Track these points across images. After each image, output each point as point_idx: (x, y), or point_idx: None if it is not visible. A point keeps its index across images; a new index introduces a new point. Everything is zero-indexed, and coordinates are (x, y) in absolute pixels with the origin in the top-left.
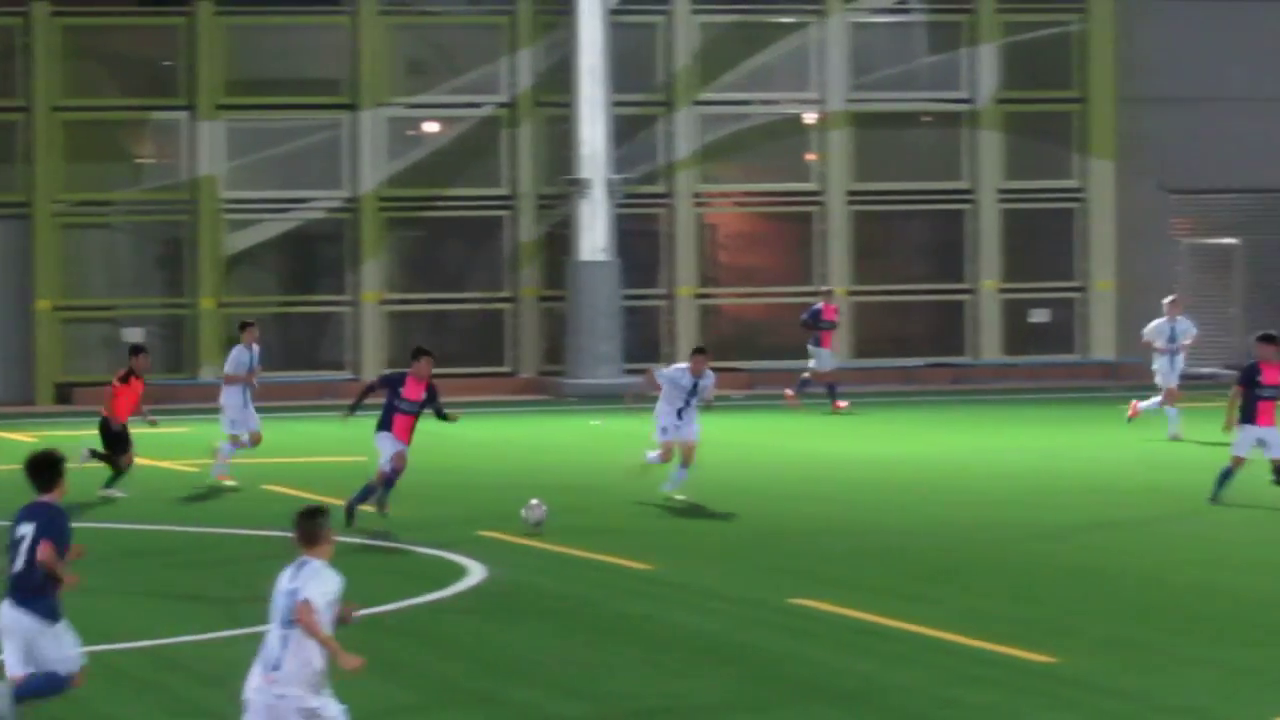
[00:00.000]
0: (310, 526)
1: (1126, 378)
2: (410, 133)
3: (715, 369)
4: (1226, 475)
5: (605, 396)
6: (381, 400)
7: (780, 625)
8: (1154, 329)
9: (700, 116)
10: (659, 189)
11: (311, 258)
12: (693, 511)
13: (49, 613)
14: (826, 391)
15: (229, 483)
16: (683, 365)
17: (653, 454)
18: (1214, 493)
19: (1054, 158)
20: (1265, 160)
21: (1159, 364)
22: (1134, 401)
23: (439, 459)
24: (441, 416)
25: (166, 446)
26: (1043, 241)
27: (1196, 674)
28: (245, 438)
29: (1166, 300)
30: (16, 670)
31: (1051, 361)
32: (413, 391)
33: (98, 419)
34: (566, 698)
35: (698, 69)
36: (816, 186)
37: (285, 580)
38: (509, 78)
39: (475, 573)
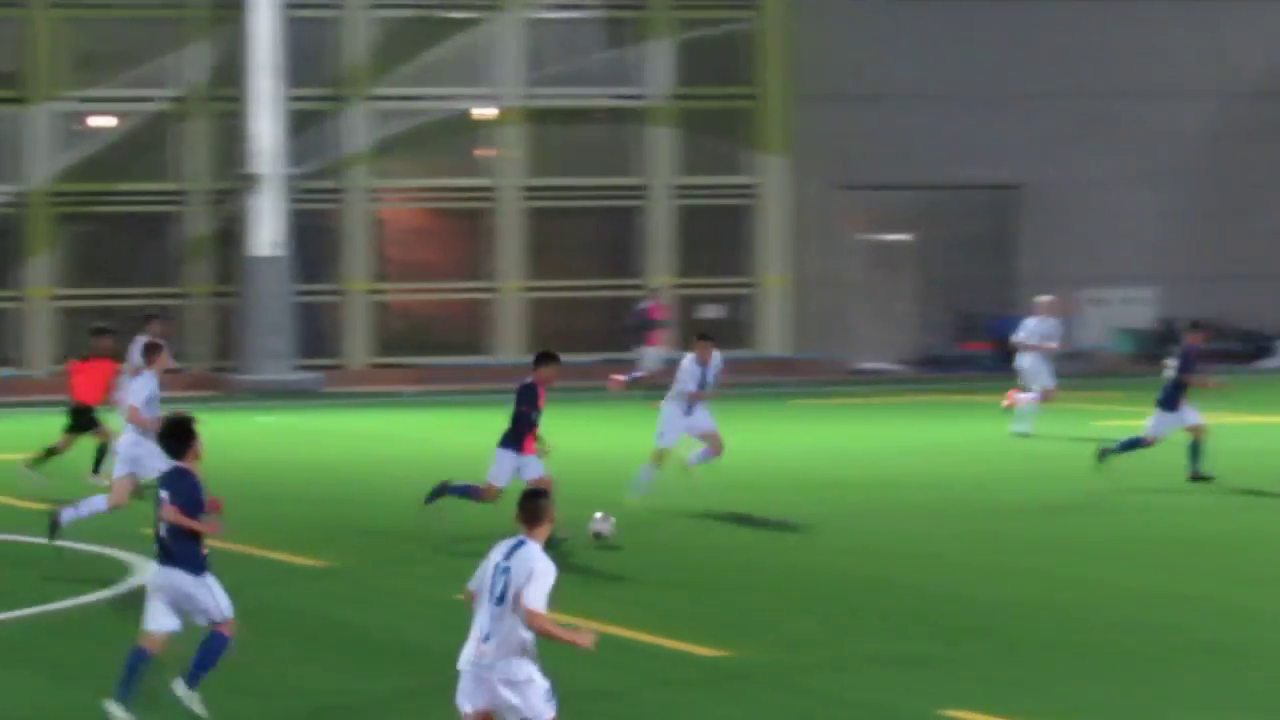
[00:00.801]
0: (533, 505)
1: (800, 373)
2: (81, 127)
3: (386, 365)
4: (1194, 449)
5: (277, 393)
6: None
7: (452, 623)
8: (1027, 331)
9: (375, 112)
10: (333, 184)
11: None
12: (364, 508)
13: (194, 565)
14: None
15: None
16: (689, 356)
17: (693, 455)
18: (1191, 469)
19: (727, 154)
20: (936, 157)
21: (1029, 362)
22: (1012, 391)
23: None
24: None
25: None
26: (716, 237)
27: (868, 668)
28: None
29: (1041, 299)
30: (164, 626)
31: (724, 358)
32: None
33: None
34: (236, 695)
35: (373, 64)
36: (491, 182)
37: (499, 556)
38: (181, 72)
39: (142, 570)
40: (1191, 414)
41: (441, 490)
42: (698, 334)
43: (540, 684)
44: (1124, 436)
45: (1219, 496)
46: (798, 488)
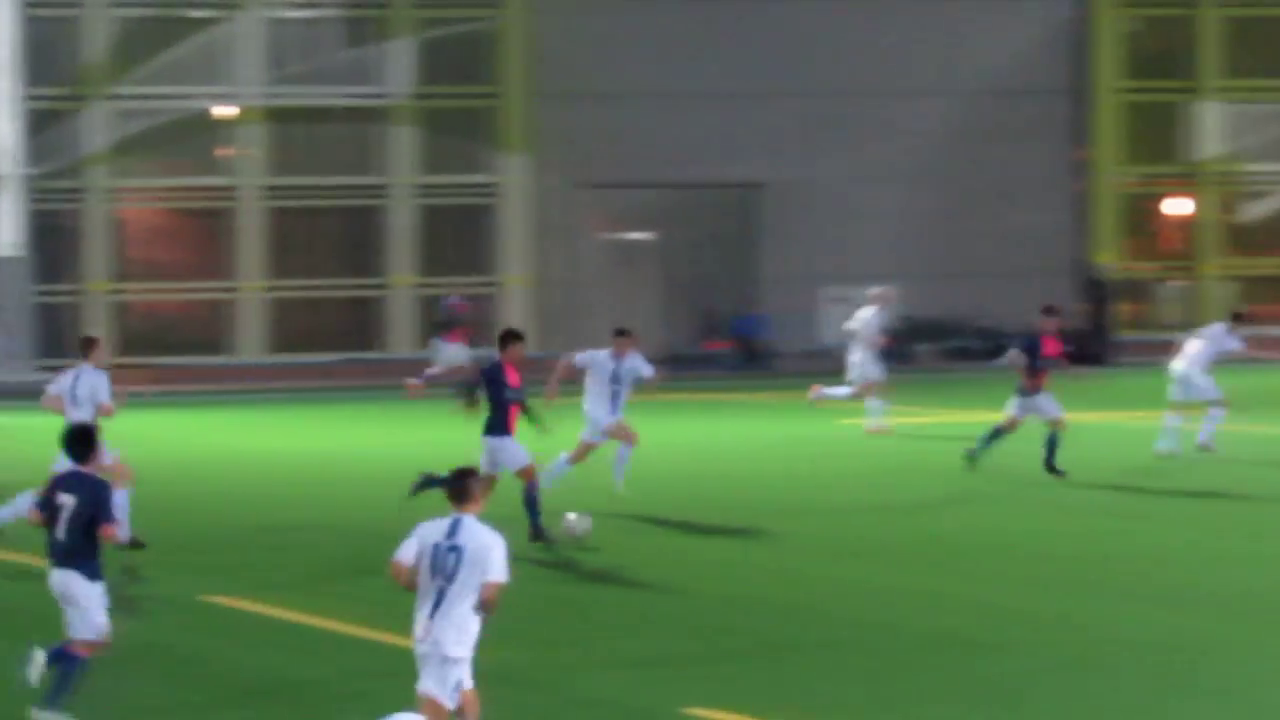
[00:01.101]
0: (465, 484)
1: (542, 372)
2: None
3: (127, 365)
4: (997, 434)
5: (16, 394)
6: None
7: (190, 624)
8: (861, 321)
9: (115, 111)
10: (72, 184)
11: None
12: None
13: (94, 573)
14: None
15: None
16: (604, 351)
17: (618, 461)
18: (1046, 460)
19: (469, 153)
20: (679, 155)
21: (860, 356)
22: (816, 385)
23: None
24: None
25: None
26: (459, 236)
27: (616, 668)
28: None
29: (872, 291)
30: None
31: (467, 357)
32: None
33: None
34: None
35: (112, 63)
36: (232, 181)
37: (439, 536)
38: None
39: None
40: (1049, 404)
41: (429, 482)
42: (615, 329)
43: (465, 669)
44: (983, 432)
45: (982, 500)
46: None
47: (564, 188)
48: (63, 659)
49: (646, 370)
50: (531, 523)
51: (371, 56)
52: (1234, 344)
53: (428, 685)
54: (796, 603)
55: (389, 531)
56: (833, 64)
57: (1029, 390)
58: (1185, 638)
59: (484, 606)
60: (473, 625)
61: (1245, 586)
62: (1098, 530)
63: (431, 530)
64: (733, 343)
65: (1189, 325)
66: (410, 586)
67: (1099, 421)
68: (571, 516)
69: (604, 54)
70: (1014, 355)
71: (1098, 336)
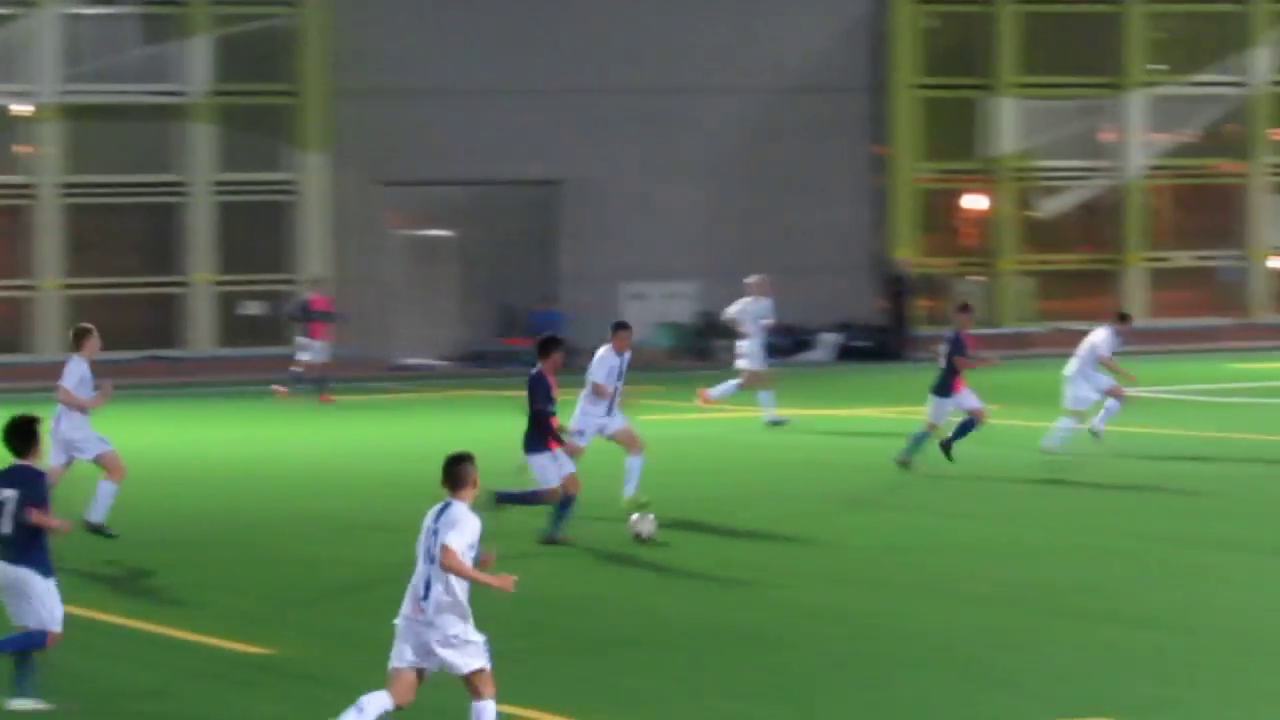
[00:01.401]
0: (457, 470)
1: (341, 370)
2: None
3: None
4: (964, 426)
5: None
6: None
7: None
8: (740, 310)
9: None
10: None
11: None
12: None
13: (45, 567)
14: (316, 385)
15: None
16: (605, 347)
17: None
18: (948, 439)
19: (268, 151)
20: (478, 153)
21: (747, 346)
22: (702, 390)
23: None
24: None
25: None
26: (258, 234)
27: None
28: None
29: (751, 280)
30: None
31: (266, 354)
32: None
33: None
34: None
35: None
36: (28, 179)
37: (430, 520)
38: None
39: None
40: (970, 398)
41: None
42: (615, 322)
43: (474, 640)
44: (907, 438)
45: (796, 499)
46: (344, 486)
47: (363, 185)
48: (21, 644)
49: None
50: (553, 524)
51: (169, 54)
52: (1107, 349)
53: (405, 659)
54: (599, 599)
55: (189, 529)
56: (631, 61)
57: (951, 390)
58: (986, 632)
59: (445, 568)
60: (462, 601)
61: (1047, 580)
62: (920, 527)
63: (428, 515)
64: (532, 339)
65: (986, 321)
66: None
67: (899, 416)
68: (634, 517)
69: (402, 52)
70: (961, 361)
71: (897, 332)
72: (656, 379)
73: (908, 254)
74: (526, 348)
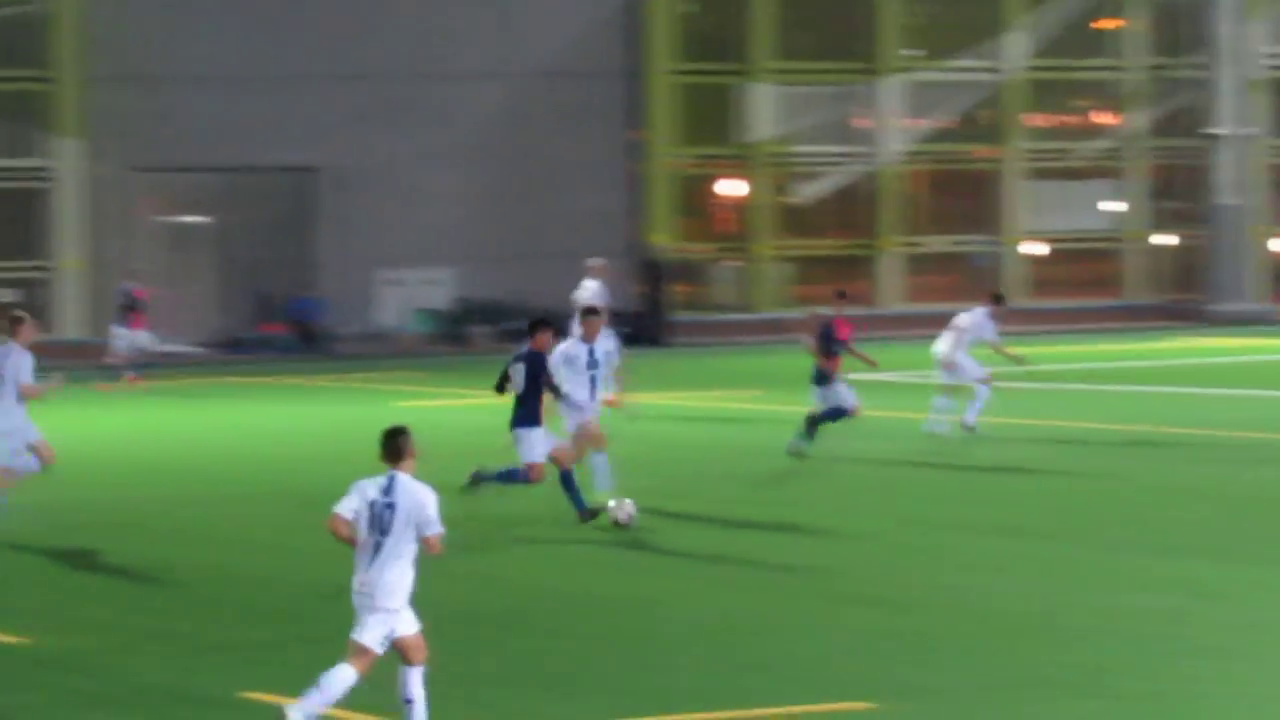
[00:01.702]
0: (396, 443)
1: (97, 357)
2: None
3: None
4: (818, 421)
5: None
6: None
7: None
8: (593, 294)
9: None
10: None
11: None
12: None
13: None
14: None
15: None
16: (573, 337)
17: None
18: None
19: (21, 137)
20: (234, 139)
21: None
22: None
23: None
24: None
25: None
26: (11, 221)
27: (168, 652)
28: None
29: (593, 263)
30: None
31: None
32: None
33: None
34: None
35: None
36: None
37: (375, 493)
38: None
39: None
40: (847, 394)
41: (483, 478)
42: (584, 308)
43: (409, 617)
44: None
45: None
46: (112, 474)
47: (118, 171)
48: None
49: (614, 350)
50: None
51: None
52: (990, 332)
53: (362, 634)
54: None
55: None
56: (386, 47)
57: (828, 377)
58: (744, 617)
59: (432, 553)
60: (407, 578)
61: (809, 564)
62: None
63: (369, 487)
64: (289, 326)
65: (743, 307)
66: (350, 541)
67: (660, 402)
68: (611, 504)
69: (157, 37)
70: (808, 341)
71: (653, 317)
72: (415, 366)
73: (665, 239)
74: (283, 334)
